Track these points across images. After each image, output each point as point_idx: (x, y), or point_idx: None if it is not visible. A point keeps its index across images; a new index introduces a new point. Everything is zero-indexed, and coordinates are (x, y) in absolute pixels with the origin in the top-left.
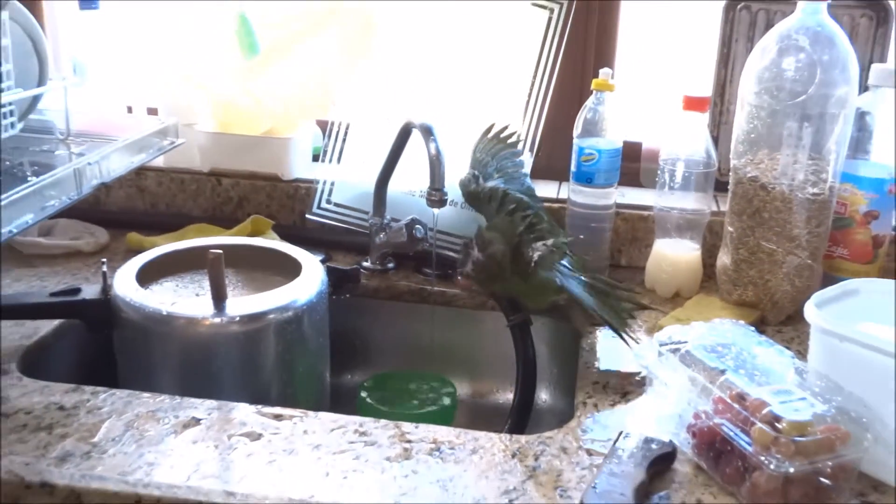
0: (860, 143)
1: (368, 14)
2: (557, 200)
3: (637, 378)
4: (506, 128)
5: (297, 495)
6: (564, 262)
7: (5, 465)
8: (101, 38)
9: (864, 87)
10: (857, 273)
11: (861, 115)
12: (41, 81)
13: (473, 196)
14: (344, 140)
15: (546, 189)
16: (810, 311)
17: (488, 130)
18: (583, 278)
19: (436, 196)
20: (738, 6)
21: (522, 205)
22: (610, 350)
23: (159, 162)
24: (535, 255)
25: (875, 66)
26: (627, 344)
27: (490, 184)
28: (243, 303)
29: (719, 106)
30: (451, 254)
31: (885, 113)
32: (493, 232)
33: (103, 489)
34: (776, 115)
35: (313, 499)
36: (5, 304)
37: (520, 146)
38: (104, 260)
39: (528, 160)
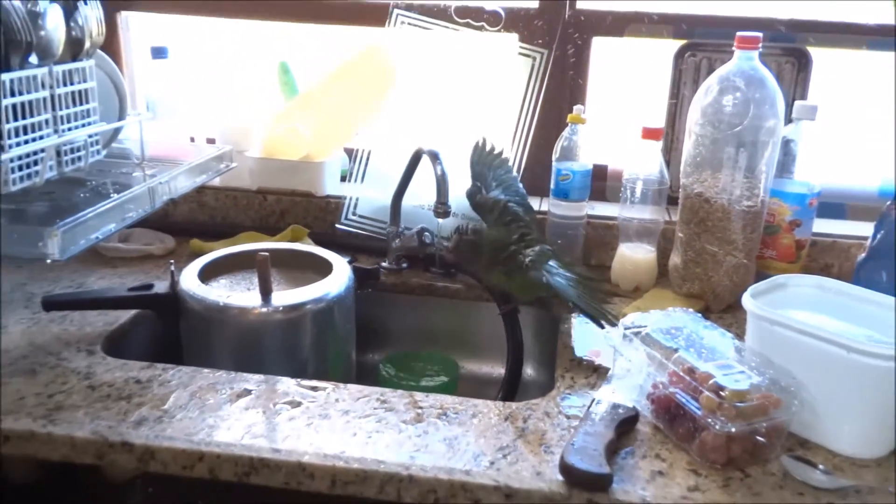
0: (786, 165)
1: (388, 63)
2: (540, 212)
3: (606, 355)
4: (486, 142)
5: (331, 451)
6: (551, 262)
7: (93, 427)
8: (171, 81)
9: (788, 120)
10: (783, 270)
11: (786, 143)
12: (121, 116)
13: (480, 205)
14: (366, 163)
15: (531, 203)
16: (747, 300)
17: (477, 145)
18: (567, 274)
19: (441, 209)
20: (686, 54)
21: (518, 218)
22: (583, 333)
23: (216, 182)
24: (528, 259)
25: (797, 103)
26: (603, 327)
27: (493, 194)
28: (285, 296)
29: (671, 135)
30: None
31: (806, 140)
32: (488, 231)
33: (172, 447)
34: (717, 143)
35: (344, 454)
36: (92, 297)
37: (505, 155)
38: (172, 262)
39: None
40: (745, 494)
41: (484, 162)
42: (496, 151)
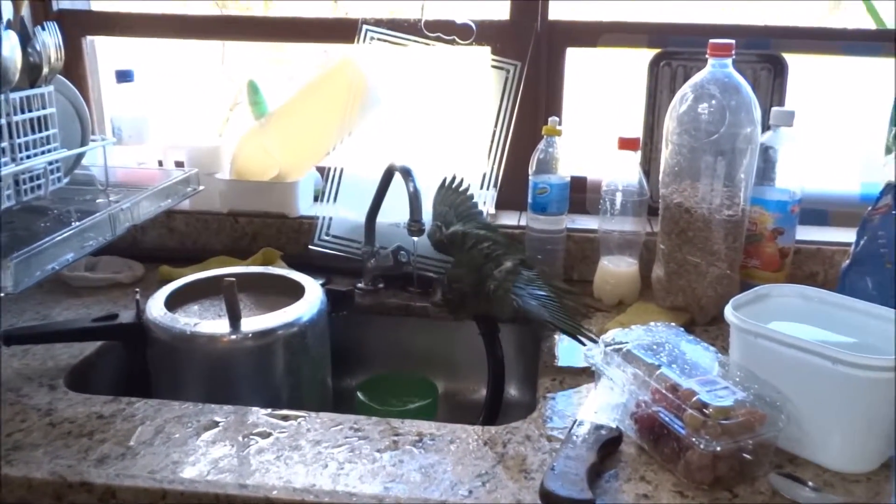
0: (766, 172)
1: (358, 79)
2: (518, 227)
3: (587, 374)
4: (455, 178)
5: (300, 484)
6: (524, 275)
7: (51, 467)
8: (138, 104)
9: (766, 127)
10: (767, 280)
11: (765, 150)
12: (83, 142)
13: (439, 243)
14: (339, 182)
15: (508, 218)
16: (729, 313)
17: (443, 185)
18: (540, 292)
19: (415, 227)
20: (661, 63)
21: (480, 238)
22: (565, 351)
23: (186, 205)
24: (492, 286)
25: (774, 109)
26: (583, 343)
27: (451, 229)
28: (255, 322)
29: (649, 145)
30: (430, 274)
31: (785, 147)
32: (459, 269)
33: (134, 486)
34: (695, 152)
35: (314, 487)
36: (55, 329)
37: (470, 191)
38: (137, 290)
39: (491, 195)
40: None
41: (446, 201)
42: (462, 188)
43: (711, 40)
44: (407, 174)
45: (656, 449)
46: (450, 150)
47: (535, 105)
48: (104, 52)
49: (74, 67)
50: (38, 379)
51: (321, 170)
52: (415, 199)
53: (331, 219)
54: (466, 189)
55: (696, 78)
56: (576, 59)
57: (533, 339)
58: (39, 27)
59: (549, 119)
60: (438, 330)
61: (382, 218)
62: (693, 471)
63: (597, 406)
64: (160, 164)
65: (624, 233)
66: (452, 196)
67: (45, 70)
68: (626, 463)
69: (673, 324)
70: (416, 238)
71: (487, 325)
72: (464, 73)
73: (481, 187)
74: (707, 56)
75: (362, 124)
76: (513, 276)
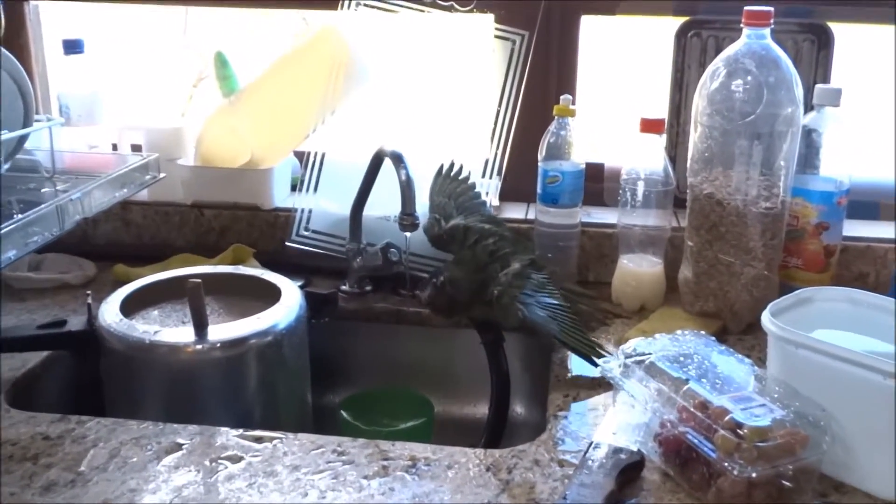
0: (809, 158)
1: (341, 51)
2: (526, 221)
3: (605, 389)
4: (453, 166)
5: None
6: (533, 279)
7: None
8: (89, 79)
9: (809, 107)
10: (811, 282)
11: (808, 133)
12: (26, 123)
13: (437, 239)
14: (320, 169)
15: (514, 211)
16: (767, 319)
17: (440, 172)
18: (550, 301)
19: (407, 220)
20: (689, 33)
21: (484, 233)
22: (579, 363)
23: (144, 196)
24: (496, 291)
25: (819, 87)
26: (596, 365)
27: (451, 223)
28: (224, 329)
29: (675, 127)
30: (424, 275)
31: (831, 130)
32: (458, 267)
33: None
34: (728, 135)
35: None
36: None
37: (472, 180)
38: (89, 292)
39: (495, 184)
40: None
41: (444, 192)
42: (461, 176)
43: (746, 7)
44: (398, 160)
45: (683, 475)
46: (447, 132)
47: (544, 81)
48: (49, 18)
49: (15, 36)
50: None
51: (299, 155)
52: (407, 189)
53: (310, 211)
54: (467, 177)
55: (730, 51)
56: (592, 28)
57: (542, 348)
58: None
59: (561, 97)
60: (434, 339)
61: (370, 211)
62: (725, 499)
63: (615, 426)
64: (114, 147)
65: (646, 228)
66: (451, 185)
67: None
68: (648, 491)
69: (702, 332)
70: (408, 234)
71: (490, 333)
72: (463, 43)
73: (483, 175)
74: (742, 25)
75: (346, 102)
76: (520, 282)
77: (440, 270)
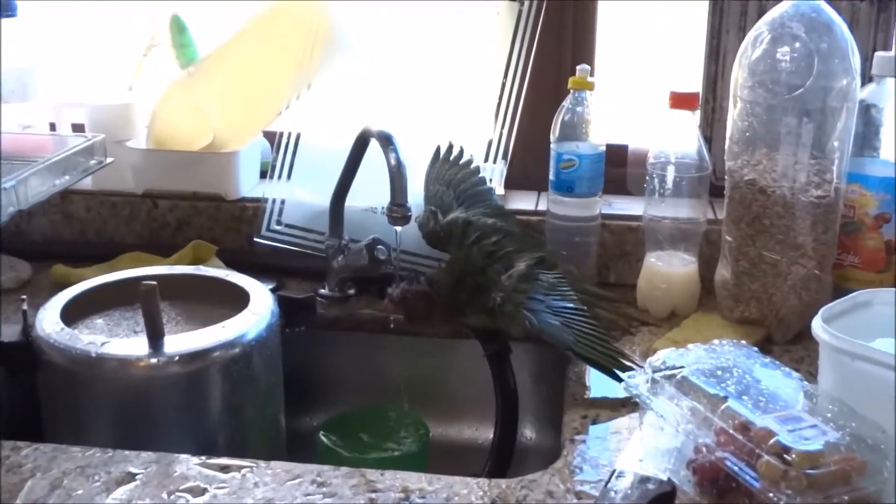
0: (867, 138)
1: (319, 15)
2: (536, 213)
3: (629, 409)
4: (452, 148)
5: None
6: (542, 280)
7: None
8: (22, 47)
9: (867, 78)
10: (869, 283)
11: (866, 109)
12: None
13: (433, 236)
14: (294, 153)
15: (522, 201)
16: (818, 327)
17: (437, 156)
18: (564, 304)
19: (398, 212)
20: None
21: (488, 230)
22: (600, 378)
23: (87, 184)
24: (498, 298)
25: (878, 55)
26: (620, 380)
27: (449, 217)
28: (183, 340)
29: (711, 103)
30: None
31: (892, 105)
32: (447, 271)
33: None
34: (773, 111)
35: None
36: None
37: (474, 165)
38: (24, 297)
39: (500, 170)
40: None
41: (442, 179)
42: (462, 161)
43: None
44: (387, 142)
45: None
46: (445, 109)
47: (558, 50)
48: None
49: None
50: None
51: (270, 136)
52: (398, 176)
53: (283, 202)
54: (469, 162)
55: (774, 13)
56: None
57: (555, 361)
58: None
59: (578, 68)
60: (428, 350)
61: (353, 201)
62: None
63: (642, 452)
64: (52, 127)
65: (677, 220)
66: (450, 171)
67: None
68: None
69: (743, 342)
70: (398, 228)
71: (495, 344)
72: (463, 7)
73: (486, 160)
74: None
75: (325, 75)
76: (526, 285)
77: (416, 276)
